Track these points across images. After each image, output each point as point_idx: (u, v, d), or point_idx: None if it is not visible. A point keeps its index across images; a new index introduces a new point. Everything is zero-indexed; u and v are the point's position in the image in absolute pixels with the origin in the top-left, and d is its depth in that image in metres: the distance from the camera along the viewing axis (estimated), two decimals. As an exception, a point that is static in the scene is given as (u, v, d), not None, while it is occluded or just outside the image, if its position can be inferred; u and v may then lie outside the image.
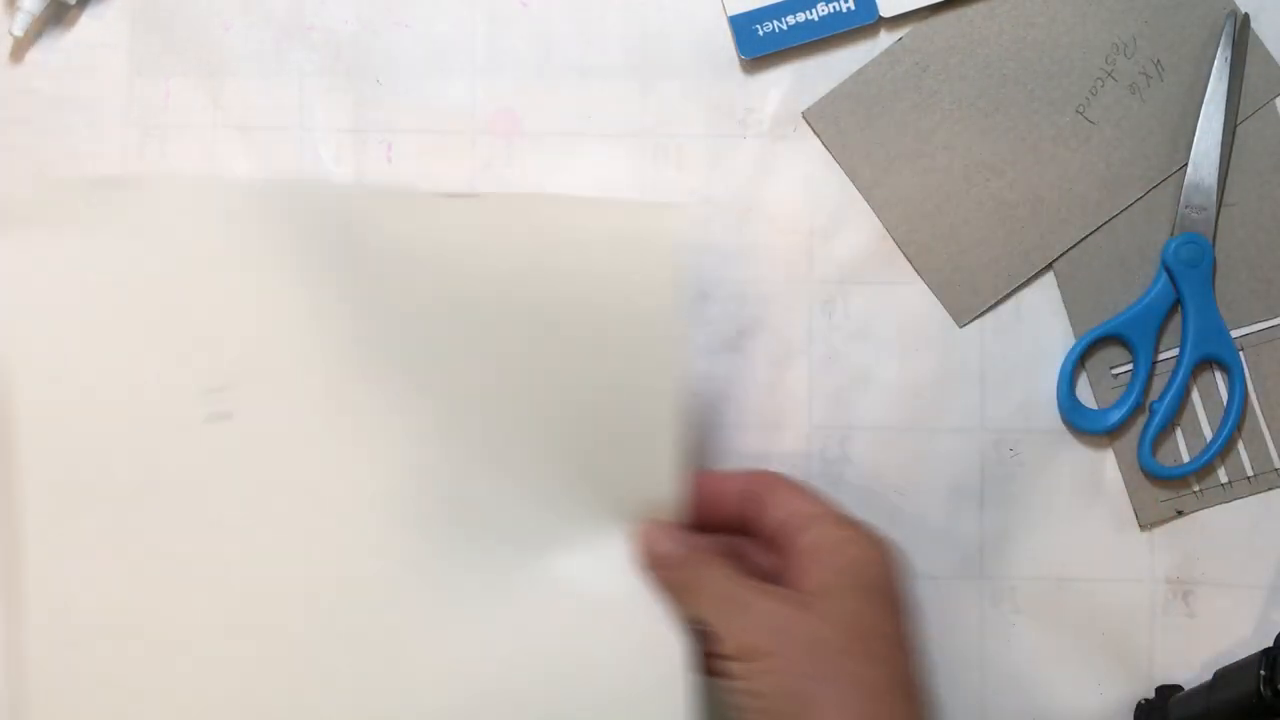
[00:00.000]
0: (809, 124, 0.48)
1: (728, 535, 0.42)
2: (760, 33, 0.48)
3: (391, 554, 0.41)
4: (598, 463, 0.42)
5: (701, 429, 0.48)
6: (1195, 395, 0.48)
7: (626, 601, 0.42)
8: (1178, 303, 0.47)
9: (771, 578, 0.40)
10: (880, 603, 0.38)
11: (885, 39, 0.48)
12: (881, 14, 0.48)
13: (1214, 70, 0.47)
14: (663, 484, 0.42)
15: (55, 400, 0.41)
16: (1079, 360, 0.48)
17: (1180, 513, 0.48)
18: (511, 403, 0.42)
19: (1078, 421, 0.47)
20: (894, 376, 0.48)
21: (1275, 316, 0.48)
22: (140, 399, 0.41)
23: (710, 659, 0.40)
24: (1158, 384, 0.48)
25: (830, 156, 0.48)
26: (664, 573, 0.41)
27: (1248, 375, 0.48)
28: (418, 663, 0.41)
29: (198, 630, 0.41)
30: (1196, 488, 0.48)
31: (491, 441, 0.42)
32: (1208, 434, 0.48)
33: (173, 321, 0.41)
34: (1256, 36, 0.48)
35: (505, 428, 0.42)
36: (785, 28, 0.48)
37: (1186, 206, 0.47)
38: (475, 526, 0.42)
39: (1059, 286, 0.48)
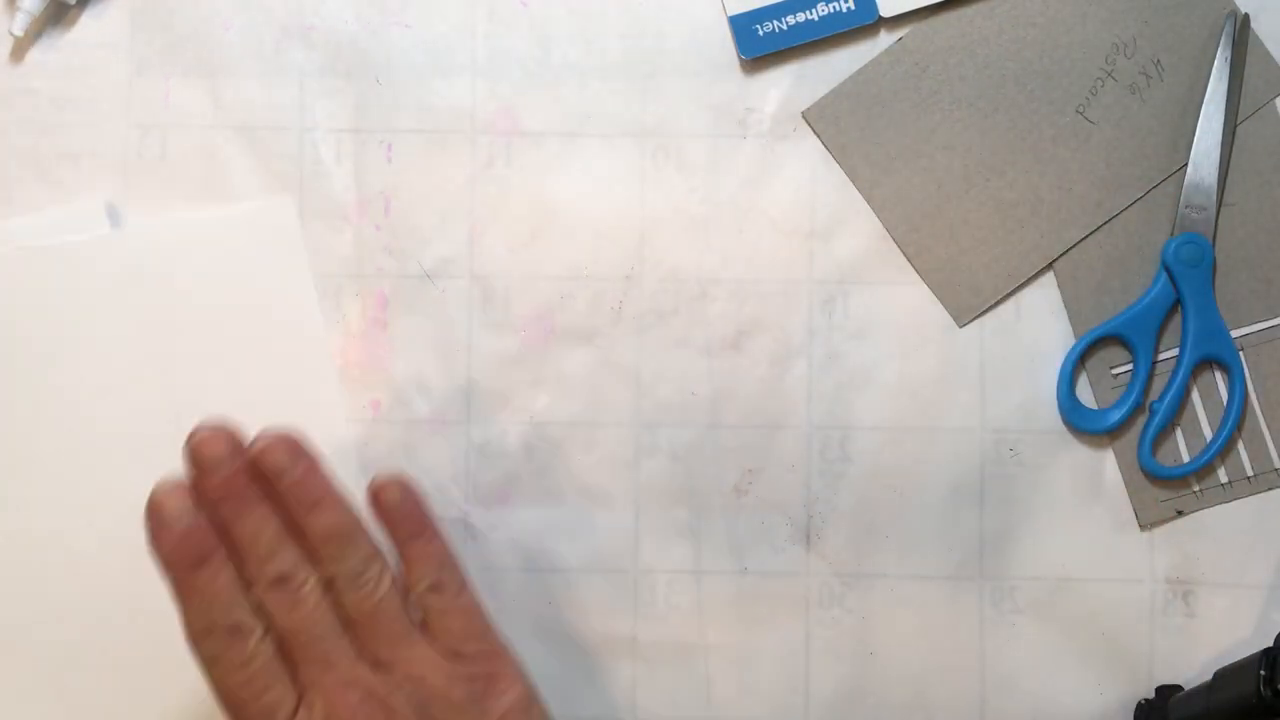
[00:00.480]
0: (809, 124, 0.48)
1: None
2: (760, 33, 0.48)
3: None
4: None
5: (700, 428, 0.48)
6: (1195, 395, 0.48)
7: None
8: (1178, 303, 0.47)
9: None
10: None
11: (885, 39, 0.48)
12: (881, 14, 0.48)
13: (1214, 70, 0.47)
14: None
15: None
16: (1079, 360, 0.48)
17: (1180, 513, 0.48)
18: None
19: (1078, 421, 0.47)
20: (894, 376, 0.48)
21: (1275, 316, 0.48)
22: None
23: None
24: (1158, 384, 0.48)
25: (830, 156, 0.48)
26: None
27: (1248, 375, 0.48)
28: None
29: None
30: (1196, 488, 0.48)
31: None
32: (1208, 434, 0.48)
33: None
34: (1256, 36, 0.48)
35: None
36: (785, 28, 0.48)
37: (1186, 206, 0.47)
38: None
39: (1059, 286, 0.48)
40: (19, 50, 0.48)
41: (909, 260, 0.48)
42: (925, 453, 0.48)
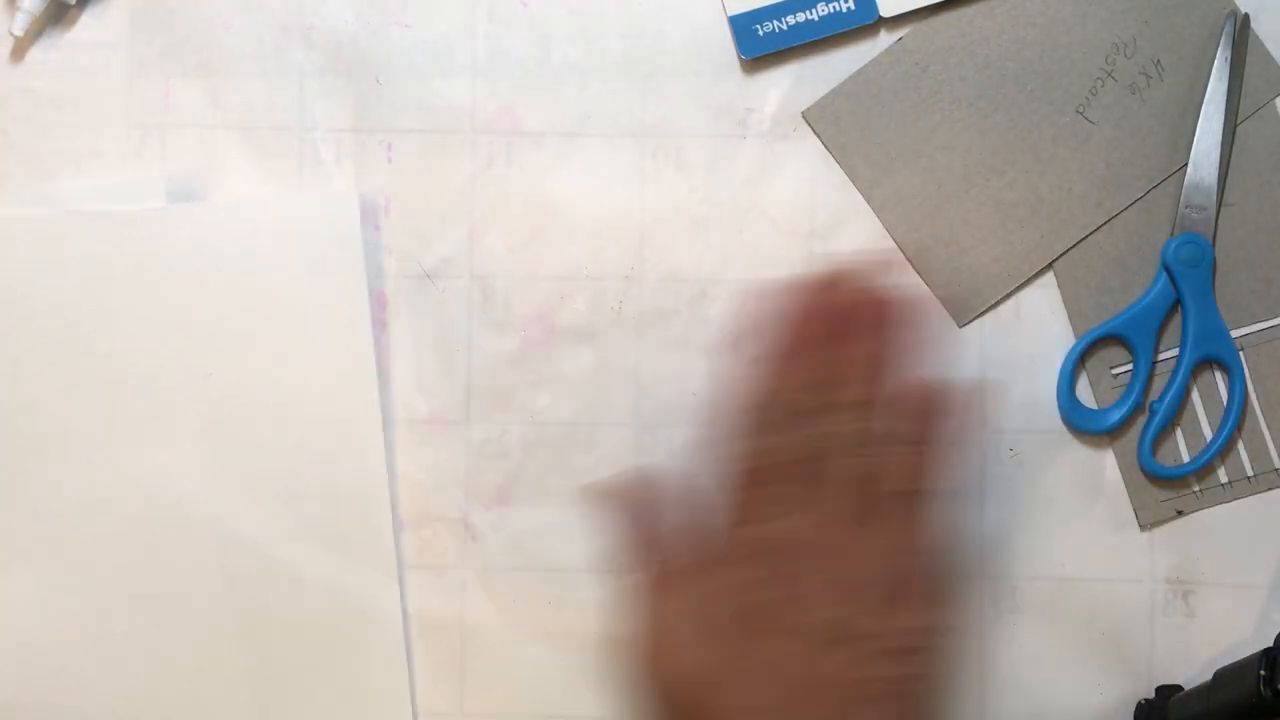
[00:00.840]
0: (809, 124, 0.48)
1: None
2: (760, 33, 0.48)
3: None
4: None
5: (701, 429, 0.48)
6: (1195, 395, 0.48)
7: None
8: (1178, 303, 0.47)
9: None
10: None
11: (885, 39, 0.48)
12: (881, 14, 0.48)
13: (1214, 70, 0.47)
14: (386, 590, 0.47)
15: None
16: (1079, 360, 0.48)
17: (1180, 513, 0.48)
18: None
19: (1078, 421, 0.47)
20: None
21: (1275, 316, 0.48)
22: None
23: None
24: (1158, 384, 0.48)
25: (830, 156, 0.48)
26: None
27: (1248, 375, 0.48)
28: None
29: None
30: (1196, 488, 0.48)
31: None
32: (1208, 434, 0.48)
33: None
34: (1256, 36, 0.48)
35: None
36: (785, 28, 0.48)
37: (1186, 206, 0.47)
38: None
39: (1059, 286, 0.48)
40: (19, 50, 0.48)
41: (909, 260, 0.48)
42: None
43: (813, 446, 0.39)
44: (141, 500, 0.47)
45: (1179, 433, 0.48)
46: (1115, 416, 0.47)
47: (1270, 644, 0.42)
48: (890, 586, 0.38)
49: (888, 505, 0.39)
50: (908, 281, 0.48)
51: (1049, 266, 0.48)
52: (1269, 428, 0.48)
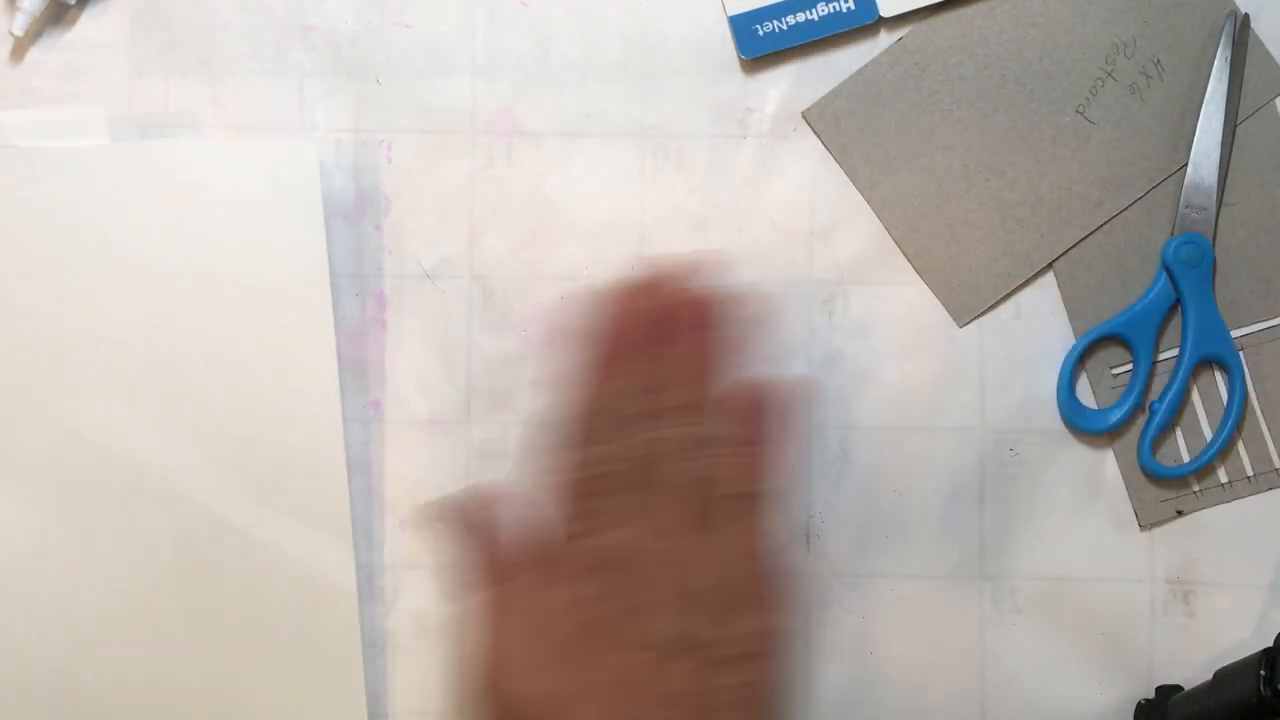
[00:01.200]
0: (809, 124, 0.48)
1: None
2: (760, 33, 0.48)
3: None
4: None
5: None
6: (1195, 395, 0.48)
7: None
8: (1178, 303, 0.47)
9: None
10: None
11: (885, 39, 0.48)
12: (881, 14, 0.48)
13: (1214, 70, 0.47)
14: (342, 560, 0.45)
15: None
16: (1079, 360, 0.48)
17: (1180, 513, 0.48)
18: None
19: (1078, 421, 0.47)
20: (894, 376, 0.48)
21: (1275, 316, 0.48)
22: None
23: None
24: (1158, 384, 0.48)
25: (830, 156, 0.48)
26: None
27: (1248, 375, 0.48)
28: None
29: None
30: (1196, 488, 0.48)
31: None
32: (1208, 434, 0.48)
33: None
34: (1256, 36, 0.48)
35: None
36: (785, 28, 0.48)
37: (1186, 206, 0.47)
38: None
39: (1059, 286, 0.48)
40: (19, 50, 0.48)
41: (909, 260, 0.48)
42: (925, 453, 0.48)
43: (643, 454, 0.39)
44: (91, 455, 0.45)
45: (1179, 433, 0.48)
46: (1115, 416, 0.47)
47: (1270, 644, 0.42)
48: (730, 592, 0.38)
49: (722, 509, 0.39)
50: (907, 281, 0.48)
51: (1049, 266, 0.48)
52: (1269, 428, 0.48)
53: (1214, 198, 0.47)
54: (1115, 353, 0.48)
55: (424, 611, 0.48)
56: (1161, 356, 0.48)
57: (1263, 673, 0.40)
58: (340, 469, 0.46)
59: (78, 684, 0.46)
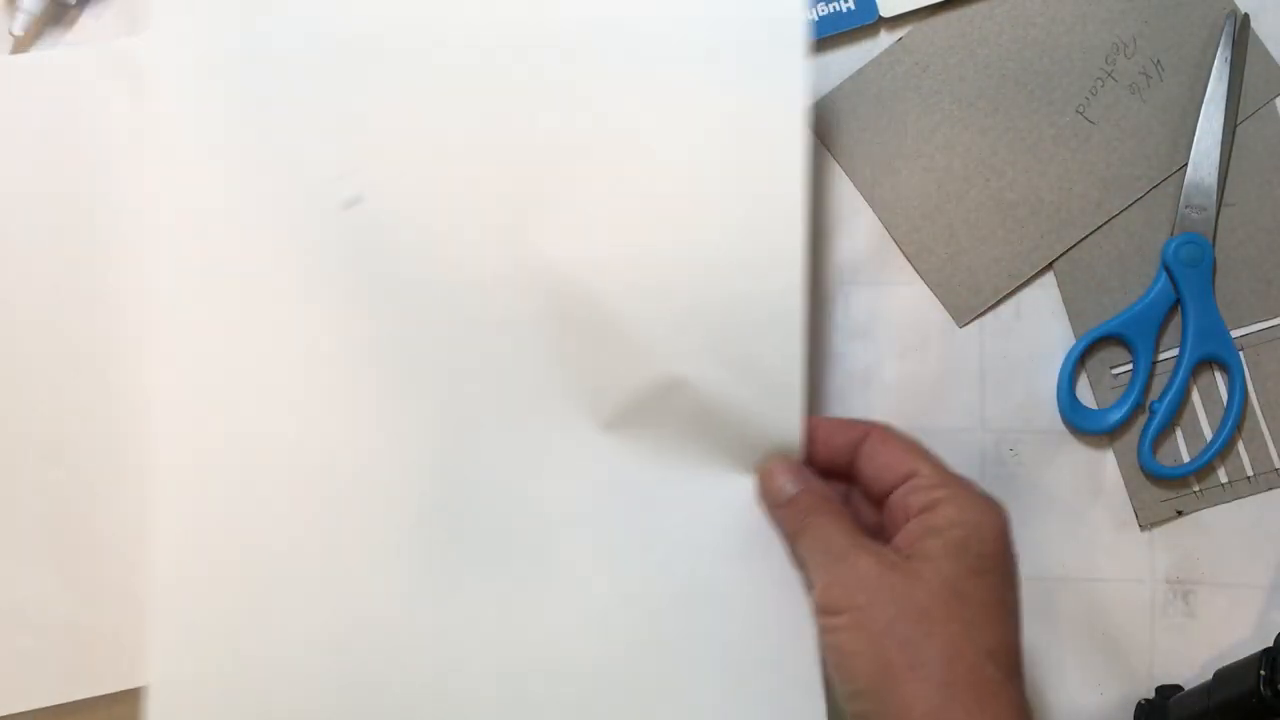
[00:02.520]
0: (809, 124, 0.48)
1: (840, 483, 0.42)
2: (760, 33, 0.48)
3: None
4: (729, 392, 0.41)
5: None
6: (1195, 395, 0.48)
7: (752, 545, 0.41)
8: (1178, 303, 0.47)
9: (874, 533, 0.39)
10: (980, 569, 0.37)
11: (885, 39, 0.48)
12: (881, 14, 0.48)
13: (1214, 70, 0.47)
14: (789, 420, 0.41)
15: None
16: (1079, 360, 0.48)
17: (1180, 513, 0.48)
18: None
19: (1078, 421, 0.47)
20: (894, 376, 0.48)
21: (1275, 316, 0.48)
22: (274, 190, 0.42)
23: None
24: (1158, 384, 0.48)
25: (830, 156, 0.48)
26: (782, 512, 0.41)
27: (1248, 375, 0.48)
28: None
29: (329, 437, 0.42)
30: (1196, 488, 0.48)
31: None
32: (1208, 434, 0.48)
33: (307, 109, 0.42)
34: (1256, 36, 0.48)
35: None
36: (785, 28, 0.48)
37: (1186, 206, 0.47)
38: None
39: (1059, 286, 0.48)
40: (19, 50, 0.48)
41: (909, 260, 0.48)
42: (925, 453, 0.48)
43: None
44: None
45: (1179, 433, 0.48)
46: (1115, 416, 0.47)
47: (1270, 644, 0.42)
48: None
49: None
50: (907, 281, 0.48)
51: (1049, 266, 0.48)
52: (1269, 428, 0.48)
53: (1214, 198, 0.47)
54: (1115, 353, 0.48)
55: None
56: (1161, 356, 0.48)
57: (1262, 673, 0.40)
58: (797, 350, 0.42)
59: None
